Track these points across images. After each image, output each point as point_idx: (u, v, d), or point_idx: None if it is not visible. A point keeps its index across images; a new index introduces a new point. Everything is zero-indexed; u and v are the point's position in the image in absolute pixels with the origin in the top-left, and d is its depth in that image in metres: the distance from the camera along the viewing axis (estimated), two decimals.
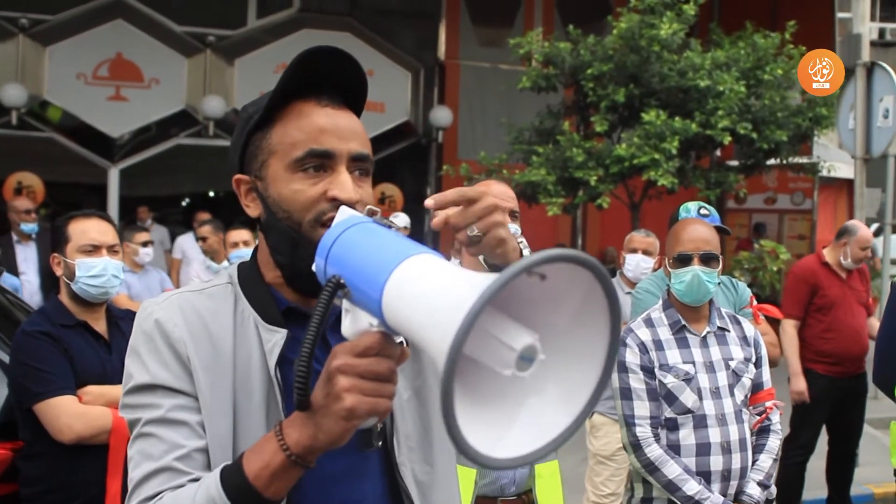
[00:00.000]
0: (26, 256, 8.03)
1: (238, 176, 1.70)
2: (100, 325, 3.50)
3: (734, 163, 12.33)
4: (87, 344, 3.41)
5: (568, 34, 11.24)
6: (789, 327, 6.39)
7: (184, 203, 17.01)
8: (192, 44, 13.32)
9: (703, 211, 4.71)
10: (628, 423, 3.47)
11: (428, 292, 1.20)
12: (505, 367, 1.18)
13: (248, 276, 1.70)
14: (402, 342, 1.37)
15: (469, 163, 11.73)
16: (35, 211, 8.55)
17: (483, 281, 1.11)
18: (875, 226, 17.11)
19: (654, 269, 5.42)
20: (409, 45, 14.25)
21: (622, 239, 5.98)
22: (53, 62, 12.73)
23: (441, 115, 13.75)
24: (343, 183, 1.58)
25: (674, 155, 9.96)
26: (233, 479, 1.42)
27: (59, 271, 3.49)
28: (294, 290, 1.67)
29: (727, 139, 10.30)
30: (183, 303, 1.62)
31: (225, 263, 6.94)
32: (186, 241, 10.32)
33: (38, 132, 12.80)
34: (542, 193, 10.42)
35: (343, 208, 1.52)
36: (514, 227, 3.29)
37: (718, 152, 12.17)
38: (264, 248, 1.70)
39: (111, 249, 3.53)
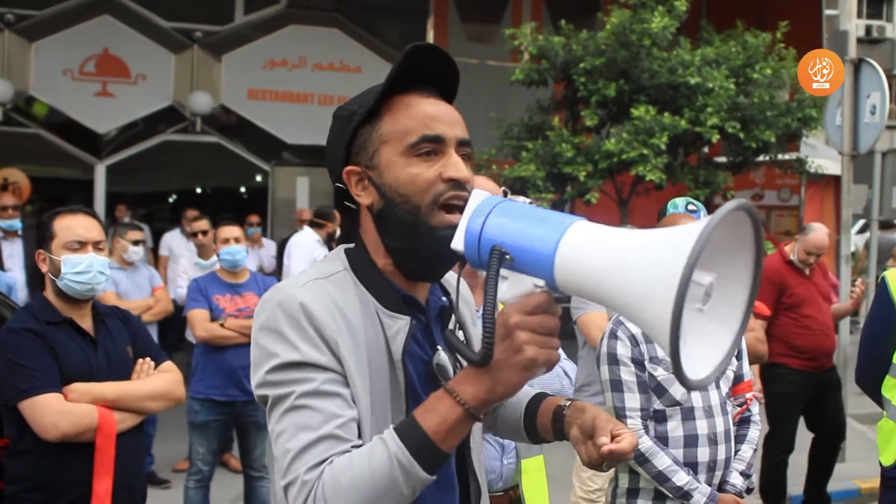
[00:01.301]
0: (12, 253, 8.00)
1: (349, 168, 1.79)
2: (85, 322, 3.48)
3: (722, 159, 12.34)
4: (73, 341, 3.39)
5: (559, 29, 11.24)
6: (757, 327, 6.46)
7: (171, 199, 16.96)
8: (180, 39, 13.27)
9: (690, 207, 4.69)
10: (619, 414, 3.48)
11: (623, 254, 1.37)
12: (696, 302, 1.38)
13: (362, 264, 1.80)
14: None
15: None
16: (20, 207, 8.52)
17: (681, 239, 1.29)
18: (861, 222, 17.19)
19: None
20: (397, 40, 14.21)
21: None
22: (39, 58, 12.67)
23: None
24: (456, 164, 1.71)
25: (662, 151, 9.97)
26: (410, 434, 1.53)
27: (44, 268, 3.47)
28: (404, 276, 1.79)
29: (716, 137, 10.33)
30: (320, 289, 1.70)
31: (214, 259, 6.92)
32: (173, 238, 10.30)
33: (23, 128, 12.74)
34: (532, 189, 10.41)
35: (476, 191, 1.63)
36: None
37: (706, 149, 12.18)
38: (374, 235, 1.79)
39: (97, 246, 3.51)
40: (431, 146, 1.71)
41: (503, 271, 1.51)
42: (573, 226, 1.46)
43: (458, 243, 1.59)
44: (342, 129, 1.80)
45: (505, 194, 1.63)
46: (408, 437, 1.53)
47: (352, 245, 1.85)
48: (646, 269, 1.32)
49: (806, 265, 6.76)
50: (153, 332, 7.47)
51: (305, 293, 1.67)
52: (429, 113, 1.73)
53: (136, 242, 7.36)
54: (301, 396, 1.61)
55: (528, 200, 1.55)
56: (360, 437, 1.63)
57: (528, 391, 2.08)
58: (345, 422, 1.61)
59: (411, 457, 1.51)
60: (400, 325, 1.74)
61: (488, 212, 1.55)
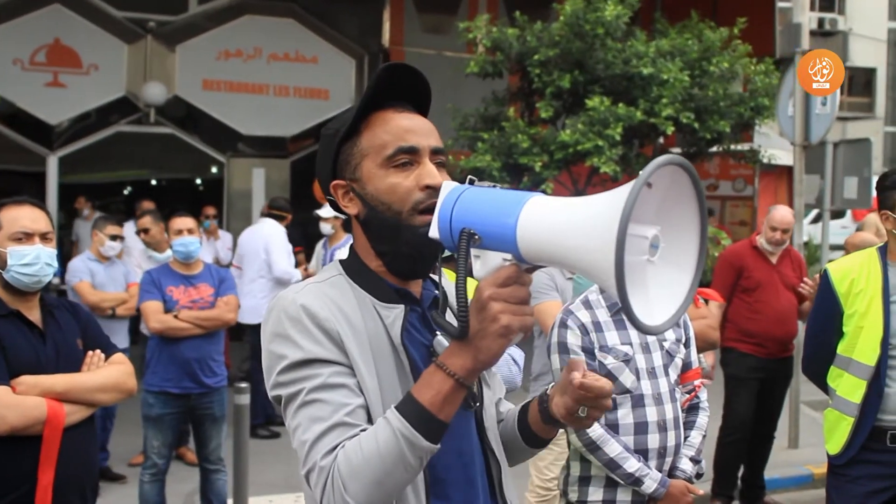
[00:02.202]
0: None
1: (335, 182, 1.97)
2: (33, 315, 3.44)
3: (677, 150, 12.44)
4: (21, 333, 3.35)
5: (514, 20, 11.25)
6: (709, 314, 6.53)
7: (125, 191, 16.79)
8: (133, 29, 13.11)
9: None
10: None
11: (571, 216, 1.51)
12: (642, 254, 1.51)
13: (355, 267, 1.97)
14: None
15: None
16: None
17: (619, 193, 1.42)
18: (814, 212, 17.41)
19: None
20: (353, 31, 14.16)
21: None
22: None
23: None
24: (430, 171, 1.88)
25: (617, 142, 10.02)
26: (409, 408, 1.67)
27: None
28: (395, 276, 1.95)
29: (670, 129, 10.39)
30: (317, 291, 1.88)
31: (168, 252, 6.86)
32: (127, 231, 10.19)
33: None
34: (487, 180, 10.41)
35: (446, 183, 1.77)
36: None
37: (662, 140, 12.26)
38: (363, 241, 1.97)
39: (44, 237, 3.47)
40: (407, 157, 1.88)
41: (474, 251, 1.67)
42: (529, 201, 1.59)
43: (433, 232, 1.73)
44: (328, 146, 1.97)
45: (471, 182, 1.76)
46: (408, 412, 1.67)
47: (345, 258, 2.03)
48: (590, 227, 1.46)
49: (774, 245, 6.82)
50: (125, 327, 7.43)
51: (304, 296, 1.85)
52: (404, 126, 1.90)
53: (114, 237, 7.31)
54: (311, 392, 1.77)
55: (493, 184, 1.69)
56: (370, 419, 1.77)
57: (513, 406, 2.27)
58: (353, 409, 1.76)
59: (413, 429, 1.65)
60: (395, 314, 1.91)
61: (455, 199, 1.69)
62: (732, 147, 12.26)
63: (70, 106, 12.97)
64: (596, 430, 3.47)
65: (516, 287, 1.62)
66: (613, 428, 3.51)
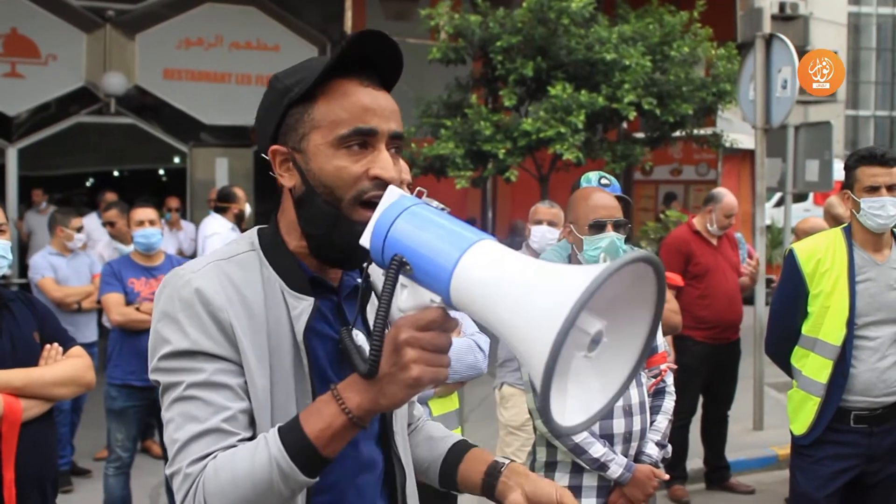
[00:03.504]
0: None
1: (275, 147, 1.75)
2: None
3: (640, 135, 12.49)
4: None
5: (476, 6, 11.23)
6: (671, 297, 6.56)
7: (87, 183, 16.62)
8: (91, 18, 12.93)
9: (603, 181, 4.74)
10: (535, 388, 3.50)
11: (514, 285, 1.33)
12: (580, 350, 1.35)
13: (272, 244, 1.78)
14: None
15: None
16: None
17: (572, 282, 1.25)
18: (777, 195, 17.55)
19: (559, 240, 5.45)
20: (315, 18, 14.05)
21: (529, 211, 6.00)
22: None
23: None
24: (385, 161, 1.68)
25: (580, 129, 10.04)
26: (292, 438, 1.53)
27: None
28: (317, 259, 1.77)
29: (632, 114, 10.44)
30: (219, 271, 1.70)
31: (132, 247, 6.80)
32: (90, 223, 10.08)
33: None
34: (451, 167, 10.41)
35: (392, 188, 1.61)
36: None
37: (625, 125, 12.30)
38: (291, 217, 1.77)
39: None
40: (362, 139, 1.69)
41: (403, 279, 1.50)
42: (476, 246, 1.41)
43: (366, 240, 1.57)
44: (275, 103, 1.76)
45: (420, 195, 1.62)
46: (290, 441, 1.53)
47: (266, 226, 1.84)
48: (531, 309, 1.29)
49: (722, 230, 6.90)
50: (94, 320, 7.36)
51: (201, 278, 1.67)
52: (364, 104, 1.70)
53: (79, 229, 7.28)
54: (190, 387, 1.62)
55: (442, 207, 1.54)
56: (254, 423, 1.65)
57: (447, 435, 2.11)
58: (233, 414, 1.62)
59: (291, 461, 1.51)
60: (304, 307, 1.72)
61: (398, 214, 1.52)
62: (695, 132, 12.32)
63: (29, 97, 12.78)
64: None
65: (437, 335, 1.46)
66: None
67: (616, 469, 3.48)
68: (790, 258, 4.34)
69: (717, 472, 7.30)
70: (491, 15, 10.83)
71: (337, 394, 1.54)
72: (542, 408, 1.29)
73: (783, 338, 4.45)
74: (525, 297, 1.30)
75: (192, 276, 1.68)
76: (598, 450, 3.47)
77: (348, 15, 14.12)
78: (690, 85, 11.01)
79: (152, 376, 1.68)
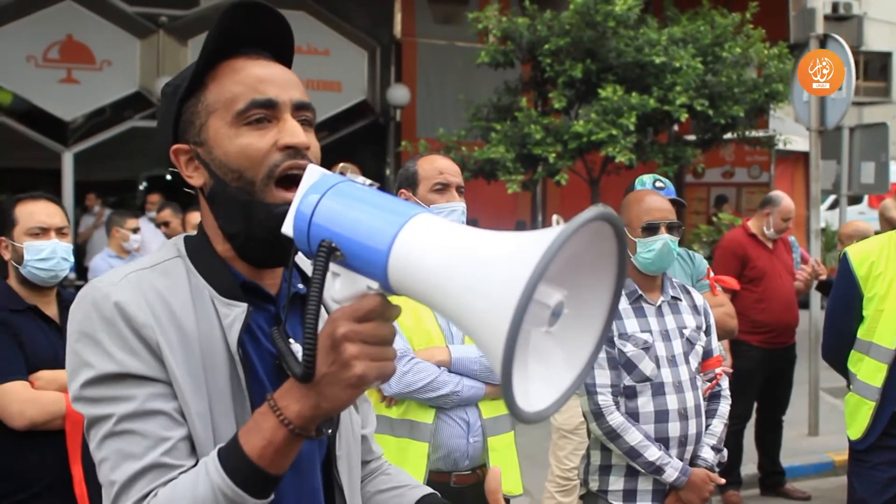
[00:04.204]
0: None
1: (176, 146, 1.61)
2: (50, 310, 3.45)
3: (692, 137, 12.39)
4: (38, 328, 3.35)
5: (524, 9, 11.21)
6: (726, 301, 6.51)
7: (141, 187, 16.83)
8: (145, 25, 13.12)
9: (658, 184, 4.72)
10: (590, 391, 3.49)
11: (461, 258, 1.18)
12: (540, 325, 1.19)
13: (199, 249, 1.62)
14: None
15: (427, 140, 11.69)
16: None
17: (527, 247, 1.10)
18: (832, 198, 17.31)
19: None
20: (365, 23, 14.13)
21: None
22: (2, 45, 12.47)
23: (398, 94, 13.68)
24: (291, 128, 1.53)
25: (631, 131, 9.98)
26: (234, 461, 1.37)
27: (7, 255, 3.42)
28: (246, 262, 1.61)
29: (684, 116, 10.34)
30: (141, 282, 1.51)
31: None
32: (142, 225, 10.22)
33: None
34: (501, 170, 10.40)
35: (311, 167, 1.44)
36: (458, 204, 3.35)
37: (676, 127, 12.20)
38: (210, 219, 1.62)
39: (60, 232, 3.47)
40: (263, 112, 1.53)
41: (335, 267, 1.33)
42: (411, 222, 1.25)
43: (288, 228, 1.39)
44: (168, 105, 1.62)
45: (344, 172, 1.44)
46: (231, 465, 1.37)
47: (193, 233, 1.69)
48: (481, 286, 1.14)
49: (779, 233, 6.83)
50: None
51: (122, 290, 1.49)
52: (258, 76, 1.55)
53: (135, 230, 7.37)
54: (122, 420, 1.43)
55: (370, 183, 1.37)
56: (194, 448, 1.48)
57: (415, 485, 1.88)
58: (173, 444, 1.44)
59: (235, 486, 1.36)
60: (236, 314, 1.54)
61: (321, 196, 1.35)
62: (748, 133, 12.19)
63: (84, 102, 12.99)
64: (616, 419, 3.45)
65: (378, 325, 1.30)
66: (634, 416, 3.49)
67: (672, 473, 3.46)
68: (844, 261, 4.29)
69: (772, 478, 7.22)
70: (538, 17, 10.81)
71: (274, 404, 1.37)
72: (504, 395, 1.12)
73: (839, 342, 4.40)
74: (473, 273, 1.15)
75: (112, 288, 1.49)
76: (653, 453, 3.44)
77: (397, 18, 14.21)
78: (742, 86, 10.90)
79: (75, 405, 1.50)
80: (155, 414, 1.44)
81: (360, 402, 1.86)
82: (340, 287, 1.34)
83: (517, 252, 1.12)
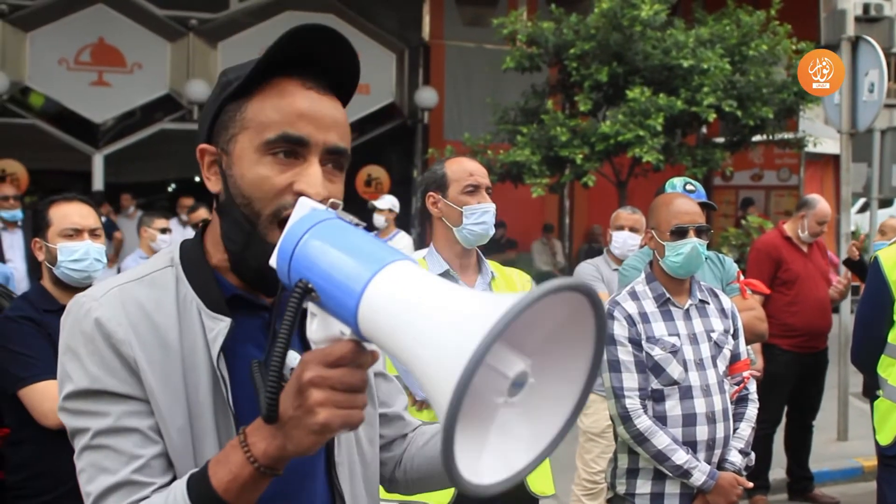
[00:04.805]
0: (12, 243, 8.00)
1: (203, 146, 1.57)
2: None
3: (720, 139, 12.33)
4: None
5: (551, 13, 11.21)
6: (756, 304, 6.48)
7: (170, 189, 16.94)
8: (175, 28, 13.24)
9: (689, 187, 4.71)
10: (617, 394, 3.49)
11: (420, 314, 1.13)
12: (498, 395, 1.14)
13: (192, 258, 1.58)
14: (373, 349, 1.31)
15: (454, 144, 11.71)
16: (19, 198, 8.51)
17: (485, 311, 1.05)
18: (862, 201, 17.17)
19: (641, 246, 5.41)
20: (394, 25, 14.18)
21: (609, 217, 5.97)
22: (35, 48, 12.64)
23: (426, 96, 13.72)
24: (312, 176, 1.46)
25: (659, 132, 9.94)
26: (200, 491, 1.36)
27: (40, 256, 3.45)
28: (240, 278, 1.58)
29: (712, 116, 10.29)
30: (124, 297, 1.50)
31: None
32: (172, 227, 10.31)
33: (20, 119, 12.72)
34: (527, 173, 10.39)
35: (303, 200, 1.40)
36: (490, 206, 3.37)
37: (704, 129, 12.15)
38: (216, 227, 1.59)
39: (93, 233, 3.49)
40: (290, 147, 1.47)
41: (313, 307, 1.30)
42: (389, 268, 1.20)
43: (274, 260, 1.36)
44: (215, 97, 1.57)
45: (334, 207, 1.41)
46: (196, 494, 1.36)
47: (191, 238, 1.65)
48: (434, 345, 1.09)
49: (814, 237, 6.78)
50: None
51: (103, 306, 1.48)
52: (299, 109, 1.48)
53: (163, 230, 7.38)
54: (98, 435, 1.44)
55: (358, 223, 1.34)
56: (171, 464, 1.47)
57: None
58: (145, 462, 1.44)
59: None
60: (220, 328, 1.51)
61: (306, 230, 1.31)
62: (777, 135, 12.10)
63: (115, 104, 13.13)
64: (644, 422, 3.45)
65: (348, 371, 1.26)
66: (661, 420, 3.48)
67: (699, 476, 3.45)
68: (875, 266, 4.25)
69: (801, 483, 7.16)
70: (564, 21, 10.79)
71: (244, 439, 1.35)
72: (444, 462, 1.06)
73: (869, 346, 4.36)
74: (430, 331, 1.10)
75: (93, 304, 1.48)
76: (681, 457, 3.44)
77: (426, 21, 14.25)
78: (771, 86, 10.83)
79: (59, 415, 1.51)
80: (129, 431, 1.44)
81: (382, 383, 1.83)
82: (316, 328, 1.31)
83: (472, 316, 1.06)
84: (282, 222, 1.43)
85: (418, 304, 1.14)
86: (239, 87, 1.52)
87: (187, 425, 1.48)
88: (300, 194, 1.44)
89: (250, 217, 1.49)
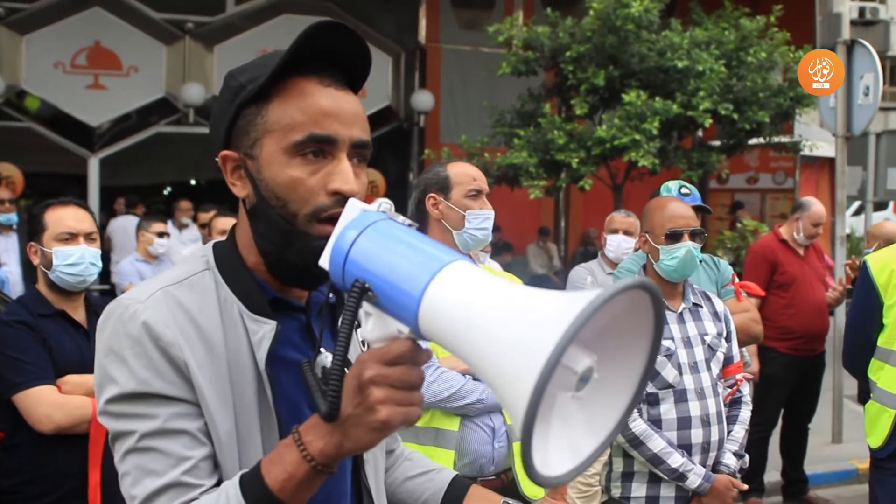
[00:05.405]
0: (7, 247, 8.01)
1: (226, 152, 1.58)
2: (78, 314, 3.47)
3: (716, 143, 12.34)
4: (66, 333, 3.38)
5: (547, 17, 11.21)
6: (751, 306, 6.49)
7: (165, 192, 16.93)
8: (171, 31, 13.22)
9: (683, 190, 4.72)
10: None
11: (490, 315, 1.16)
12: (566, 390, 1.18)
13: (228, 261, 1.60)
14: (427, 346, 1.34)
15: (451, 146, 11.71)
16: (15, 201, 8.51)
17: (557, 310, 1.08)
18: (857, 204, 17.21)
19: (635, 250, 5.42)
20: (390, 29, 14.17)
21: (605, 220, 5.98)
22: (31, 51, 12.61)
23: (422, 99, 13.72)
24: (344, 173, 1.49)
25: (655, 136, 9.95)
26: (255, 491, 1.37)
27: (36, 260, 3.45)
28: (276, 279, 1.59)
29: (708, 121, 10.30)
30: (168, 300, 1.50)
31: None
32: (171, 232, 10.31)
33: (16, 122, 12.69)
34: (524, 176, 10.40)
35: (352, 202, 1.42)
36: (491, 212, 3.37)
37: (700, 133, 12.15)
38: (246, 230, 1.60)
39: (88, 237, 3.49)
40: (319, 146, 1.50)
41: (367, 307, 1.32)
42: (445, 270, 1.24)
43: (325, 260, 1.38)
44: (228, 102, 1.57)
45: (382, 209, 1.40)
46: (252, 495, 1.37)
47: (223, 240, 1.66)
48: (509, 346, 1.12)
49: (809, 239, 6.79)
50: None
51: (149, 308, 1.48)
52: (323, 107, 1.51)
53: (161, 234, 7.39)
54: (144, 437, 1.44)
55: (410, 223, 1.35)
56: (218, 466, 1.49)
57: (440, 468, 1.94)
58: (193, 464, 1.45)
59: None
60: (265, 331, 1.53)
61: (360, 231, 1.34)
62: (773, 139, 12.11)
63: (110, 107, 13.10)
64: (639, 426, 3.46)
65: (407, 369, 1.29)
66: (656, 423, 3.49)
67: (695, 479, 3.46)
68: (864, 270, 4.28)
69: (796, 486, 7.18)
70: (560, 24, 10.80)
71: (298, 438, 1.37)
72: (523, 457, 1.10)
73: (859, 350, 4.38)
74: (502, 331, 1.13)
75: (139, 307, 1.48)
76: (676, 460, 3.45)
77: (422, 24, 14.26)
78: (767, 91, 10.84)
79: (100, 418, 1.51)
80: (177, 433, 1.45)
81: None
82: (372, 327, 1.34)
83: (547, 315, 1.10)
84: (321, 221, 1.48)
85: (486, 305, 1.17)
86: (258, 90, 1.53)
87: (233, 427, 1.49)
88: (335, 192, 1.48)
89: (287, 217, 1.51)
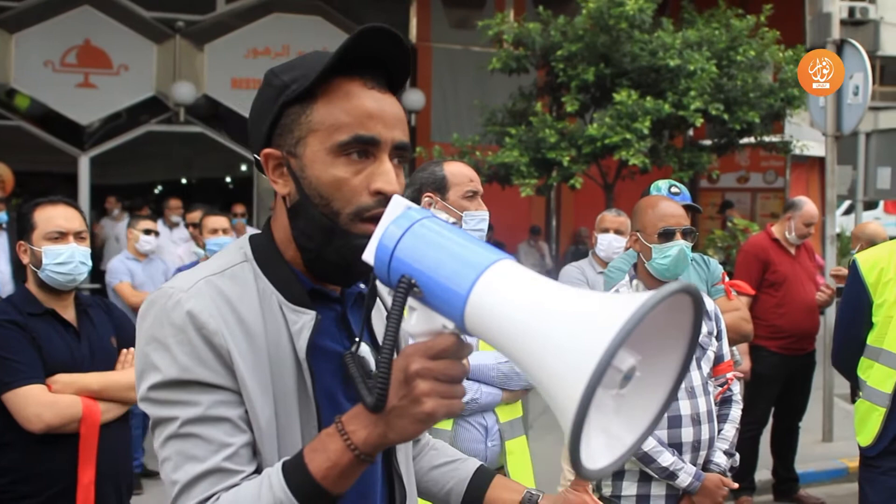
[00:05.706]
0: None
1: (268, 150, 1.61)
2: (68, 313, 3.47)
3: (707, 142, 12.36)
4: (56, 332, 3.38)
5: (538, 15, 11.22)
6: (742, 305, 6.51)
7: (156, 191, 16.90)
8: (161, 29, 13.19)
9: (673, 189, 4.73)
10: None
11: (539, 315, 1.19)
12: (611, 387, 1.22)
13: (266, 254, 1.64)
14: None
15: (442, 145, 11.71)
16: (4, 200, 8.47)
17: (607, 312, 1.12)
18: (847, 203, 17.25)
19: (626, 249, 5.43)
20: None
21: (596, 219, 5.98)
22: (20, 49, 12.57)
23: (413, 98, 13.71)
24: (387, 174, 1.54)
25: (646, 135, 9.96)
26: (298, 479, 1.40)
27: (25, 259, 3.45)
28: (313, 274, 1.64)
29: (699, 121, 10.32)
30: (211, 289, 1.54)
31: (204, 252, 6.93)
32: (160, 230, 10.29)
33: (5, 121, 12.66)
34: (516, 175, 10.40)
35: (396, 198, 1.46)
36: (486, 213, 3.36)
37: (691, 132, 12.17)
38: (285, 226, 1.63)
39: (78, 236, 3.49)
40: (363, 147, 1.54)
41: (412, 302, 1.36)
42: (493, 268, 1.26)
43: (369, 255, 1.41)
44: (270, 100, 1.60)
45: (428, 205, 1.45)
46: (295, 482, 1.40)
47: (258, 232, 1.71)
48: (559, 347, 1.15)
49: (801, 239, 6.81)
50: None
51: (193, 297, 1.52)
52: (368, 109, 1.55)
53: (147, 231, 7.41)
54: (186, 423, 1.48)
55: (453, 221, 1.39)
56: (258, 453, 1.52)
57: (465, 458, 2.01)
58: (234, 451, 1.48)
59: (297, 503, 1.40)
60: (305, 321, 1.58)
61: (406, 228, 1.37)
62: (763, 138, 12.14)
63: (101, 106, 13.07)
64: None
65: (451, 363, 1.33)
66: None
67: (685, 478, 3.47)
68: (853, 268, 4.29)
69: (786, 484, 7.20)
70: (552, 23, 10.81)
71: (342, 427, 1.40)
72: (571, 454, 1.14)
73: (848, 348, 4.39)
74: (552, 332, 1.16)
75: (183, 295, 1.52)
76: (666, 458, 3.46)
77: (413, 23, 14.26)
78: (758, 91, 10.86)
79: (141, 405, 1.54)
80: (219, 420, 1.49)
81: None
82: (416, 322, 1.37)
83: (598, 316, 1.13)
84: (364, 220, 1.52)
85: (534, 305, 1.20)
86: (303, 90, 1.56)
87: (273, 416, 1.53)
88: (377, 192, 1.53)
89: (329, 215, 1.55)
